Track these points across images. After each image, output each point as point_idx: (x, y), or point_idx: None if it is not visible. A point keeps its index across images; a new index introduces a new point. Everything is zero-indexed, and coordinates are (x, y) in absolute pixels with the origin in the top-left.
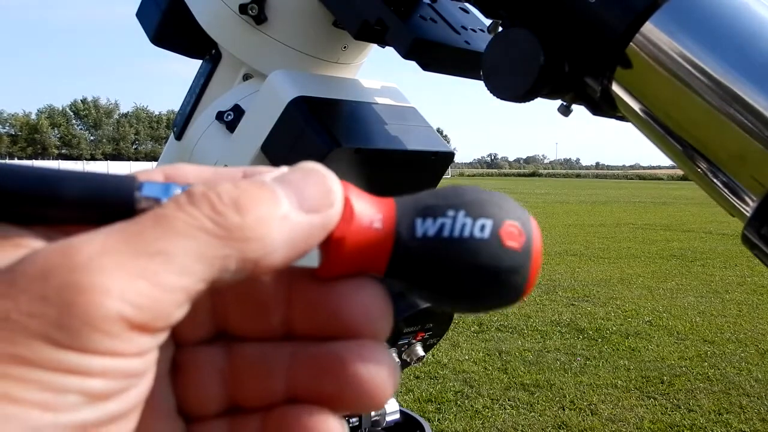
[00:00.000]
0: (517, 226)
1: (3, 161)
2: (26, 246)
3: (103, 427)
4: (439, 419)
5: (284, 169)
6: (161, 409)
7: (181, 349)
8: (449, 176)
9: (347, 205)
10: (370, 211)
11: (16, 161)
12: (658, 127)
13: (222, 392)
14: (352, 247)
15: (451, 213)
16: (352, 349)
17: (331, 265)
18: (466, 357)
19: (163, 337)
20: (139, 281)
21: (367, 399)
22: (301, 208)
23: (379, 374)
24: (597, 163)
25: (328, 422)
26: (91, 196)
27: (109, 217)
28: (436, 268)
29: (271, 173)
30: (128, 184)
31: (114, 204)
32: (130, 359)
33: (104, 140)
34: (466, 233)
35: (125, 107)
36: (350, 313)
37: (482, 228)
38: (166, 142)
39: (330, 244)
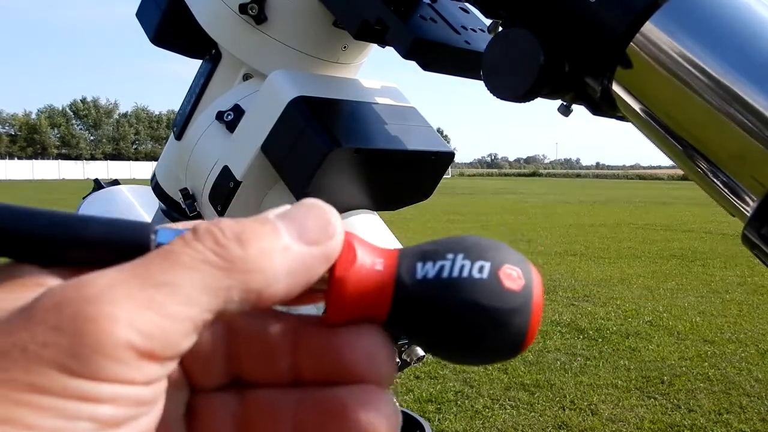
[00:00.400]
0: (516, 270)
1: (31, 207)
2: (47, 285)
3: None
4: (439, 419)
5: (287, 206)
6: None
7: (196, 395)
8: (449, 176)
9: (350, 248)
10: (372, 255)
11: (35, 207)
12: (658, 127)
13: (234, 423)
14: (354, 287)
15: (450, 256)
16: (355, 395)
17: (335, 309)
18: None
19: (171, 366)
20: (147, 311)
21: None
22: (301, 239)
23: (380, 421)
24: (597, 163)
25: None
26: (111, 239)
27: (126, 259)
28: (436, 310)
29: (273, 211)
30: (145, 229)
31: (131, 247)
32: (140, 387)
33: (104, 140)
34: (465, 273)
35: (125, 107)
36: (353, 360)
37: (481, 269)
38: (166, 142)
39: (333, 285)
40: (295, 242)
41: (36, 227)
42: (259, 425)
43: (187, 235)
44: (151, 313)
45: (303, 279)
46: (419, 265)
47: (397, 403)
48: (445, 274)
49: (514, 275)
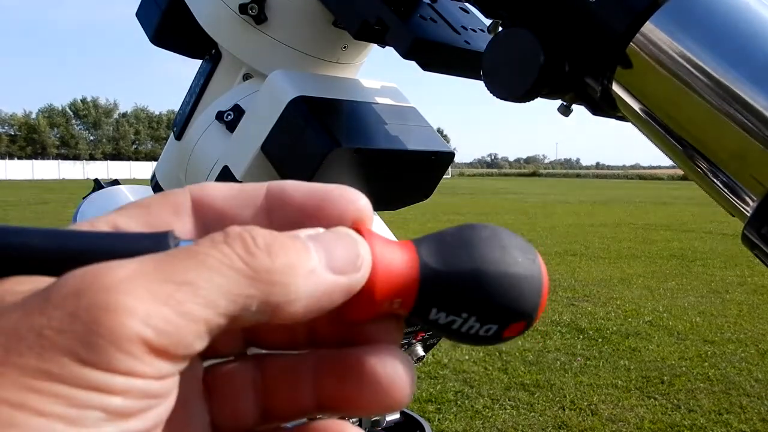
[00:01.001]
0: (522, 324)
1: (52, 228)
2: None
3: None
4: (439, 419)
5: (319, 229)
6: (194, 427)
7: (214, 365)
8: (449, 176)
9: (374, 249)
10: (394, 251)
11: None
12: (658, 127)
13: (255, 406)
14: (382, 288)
15: (464, 315)
16: (371, 352)
17: (359, 311)
18: (467, 357)
19: (182, 365)
20: (163, 307)
21: (386, 397)
22: (328, 267)
23: (396, 372)
24: (597, 163)
25: None
26: (130, 251)
27: None
28: (461, 296)
29: (305, 231)
30: (165, 238)
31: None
32: (150, 381)
33: (104, 140)
34: (472, 332)
35: (125, 107)
36: (367, 326)
37: (488, 330)
38: (166, 142)
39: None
40: (322, 267)
41: (56, 243)
42: (279, 389)
43: (217, 236)
44: (168, 310)
45: (322, 305)
46: (434, 310)
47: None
48: (455, 326)
49: (517, 329)
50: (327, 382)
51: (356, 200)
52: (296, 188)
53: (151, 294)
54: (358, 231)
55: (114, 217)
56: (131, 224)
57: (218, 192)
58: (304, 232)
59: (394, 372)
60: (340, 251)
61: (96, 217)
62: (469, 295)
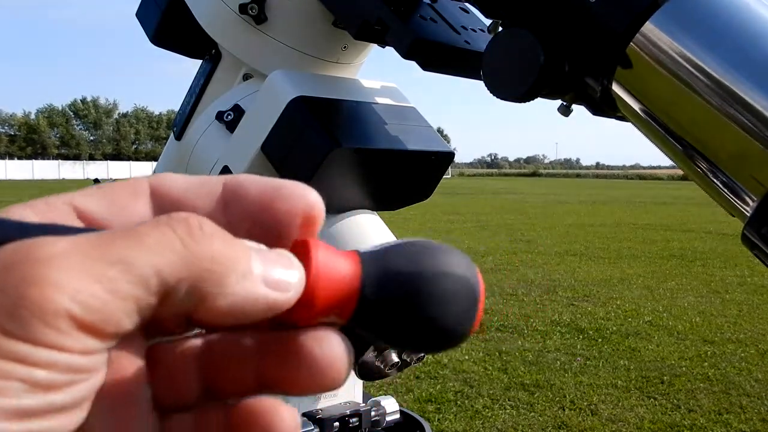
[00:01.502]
0: (449, 347)
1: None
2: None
3: (49, 416)
4: (439, 419)
5: (262, 246)
6: (134, 401)
7: (160, 340)
8: (449, 176)
9: (315, 255)
10: (338, 260)
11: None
12: (658, 127)
13: (197, 383)
14: (323, 294)
15: (396, 340)
16: (311, 335)
17: (302, 316)
18: (466, 357)
19: (112, 342)
20: (94, 284)
21: (323, 377)
22: (263, 278)
23: (333, 353)
24: (597, 163)
25: (280, 414)
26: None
27: None
28: (400, 306)
29: (251, 243)
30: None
31: None
32: (76, 356)
33: (104, 140)
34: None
35: (125, 107)
36: None
37: (419, 355)
38: (166, 142)
39: (304, 293)
40: (254, 274)
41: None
42: (222, 368)
43: (162, 218)
44: (98, 287)
45: (244, 312)
46: (378, 282)
47: (397, 403)
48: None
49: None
50: (268, 362)
51: (307, 195)
52: (252, 182)
53: (82, 270)
54: (305, 243)
55: (73, 196)
56: (89, 203)
57: (177, 182)
58: (248, 242)
59: (331, 353)
60: (277, 269)
61: (56, 196)
62: (402, 322)
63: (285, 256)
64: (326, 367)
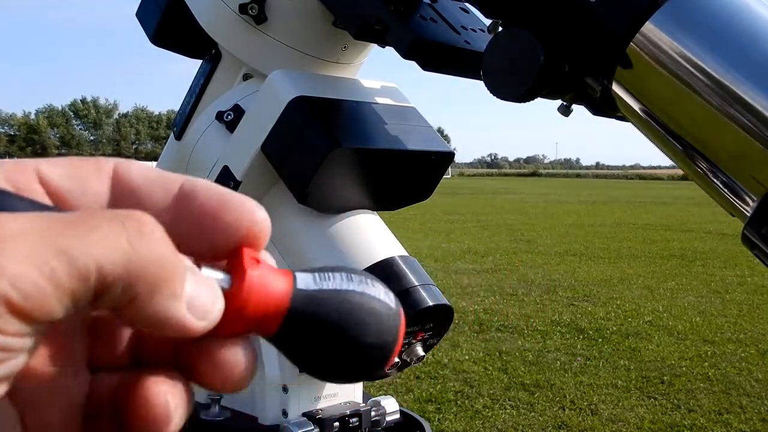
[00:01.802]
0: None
1: None
2: None
3: None
4: (439, 419)
5: (195, 267)
6: (69, 362)
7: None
8: (449, 176)
9: (247, 268)
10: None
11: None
12: (658, 127)
13: (128, 352)
14: (252, 306)
15: (315, 367)
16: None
17: (226, 328)
18: (466, 357)
19: (43, 327)
20: (35, 271)
21: (222, 378)
22: (187, 300)
23: (238, 358)
24: (597, 163)
25: (162, 393)
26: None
27: None
28: (324, 324)
29: (187, 260)
30: None
31: None
32: (9, 337)
33: (104, 140)
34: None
35: (125, 107)
36: None
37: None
38: (166, 142)
39: (230, 305)
40: (184, 296)
41: None
42: (148, 344)
43: (121, 212)
44: (39, 276)
45: (161, 325)
46: (311, 281)
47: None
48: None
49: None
50: (184, 349)
51: (253, 212)
52: (205, 189)
53: (28, 255)
54: (240, 261)
55: (40, 162)
56: (54, 172)
57: (139, 171)
58: (188, 262)
59: (234, 359)
60: (202, 296)
61: (25, 160)
62: (323, 346)
63: (212, 285)
64: (228, 370)
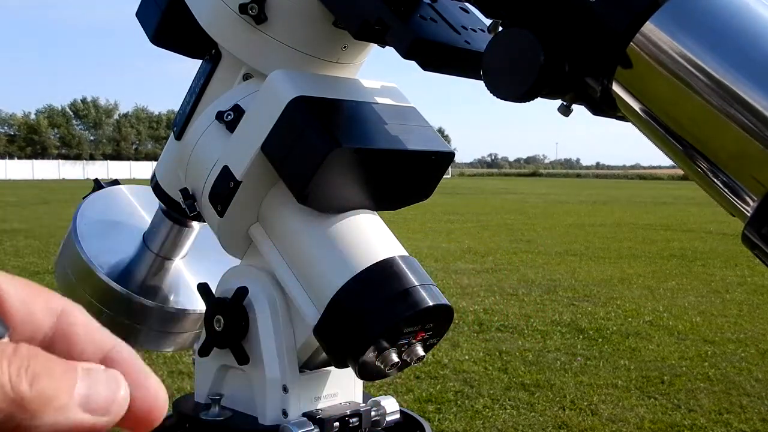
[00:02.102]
0: None
1: None
2: None
3: None
4: (439, 419)
5: (101, 367)
6: None
7: None
8: (449, 176)
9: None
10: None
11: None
12: (658, 127)
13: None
14: None
15: None
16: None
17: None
18: (467, 357)
19: None
20: None
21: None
22: (83, 405)
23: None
24: (597, 163)
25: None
26: None
27: None
28: None
29: (86, 364)
30: None
31: None
32: None
33: (104, 140)
34: None
35: (125, 107)
36: None
37: None
38: (166, 142)
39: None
40: (75, 404)
41: None
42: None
43: (7, 348)
44: None
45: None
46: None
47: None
48: None
49: None
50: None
51: (160, 409)
52: (131, 361)
53: None
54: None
55: (4, 277)
56: (11, 287)
57: (82, 320)
58: (83, 365)
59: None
60: (101, 393)
61: None
62: None
63: (114, 378)
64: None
